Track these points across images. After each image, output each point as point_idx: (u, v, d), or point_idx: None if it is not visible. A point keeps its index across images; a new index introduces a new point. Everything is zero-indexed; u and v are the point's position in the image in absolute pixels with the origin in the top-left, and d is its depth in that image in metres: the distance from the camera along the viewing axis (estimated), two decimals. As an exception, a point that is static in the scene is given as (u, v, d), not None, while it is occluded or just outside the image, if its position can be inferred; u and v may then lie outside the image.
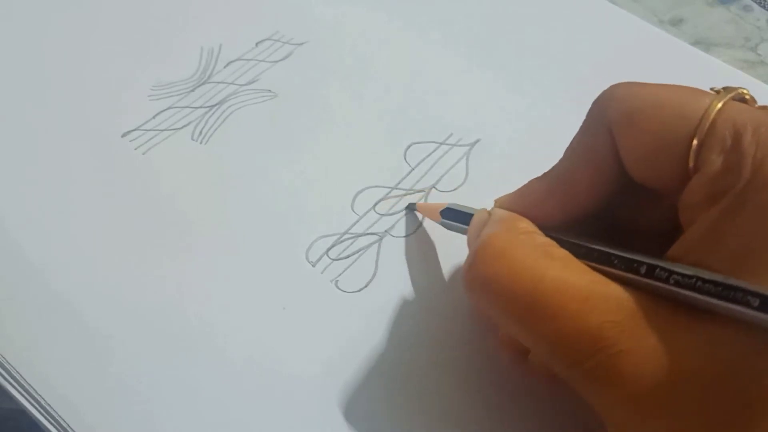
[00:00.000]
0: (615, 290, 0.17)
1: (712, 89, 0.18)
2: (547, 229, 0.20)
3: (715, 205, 0.17)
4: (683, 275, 0.16)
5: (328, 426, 0.21)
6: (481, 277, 0.19)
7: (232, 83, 0.30)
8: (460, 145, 0.28)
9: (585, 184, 0.20)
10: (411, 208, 0.26)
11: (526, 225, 0.20)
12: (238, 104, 0.29)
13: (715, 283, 0.16)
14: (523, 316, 0.18)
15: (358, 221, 0.26)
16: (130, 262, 0.24)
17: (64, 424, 0.20)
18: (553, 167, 0.21)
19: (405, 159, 0.28)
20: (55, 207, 0.25)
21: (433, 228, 0.25)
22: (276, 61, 0.31)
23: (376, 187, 0.27)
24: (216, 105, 0.29)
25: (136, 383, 0.21)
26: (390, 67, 0.31)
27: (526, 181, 0.21)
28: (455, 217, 0.23)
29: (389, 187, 0.27)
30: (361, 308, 0.23)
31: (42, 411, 0.21)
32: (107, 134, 0.27)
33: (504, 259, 0.18)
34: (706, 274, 0.16)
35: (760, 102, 0.18)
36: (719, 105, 0.17)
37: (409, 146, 0.28)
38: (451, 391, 0.22)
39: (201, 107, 0.29)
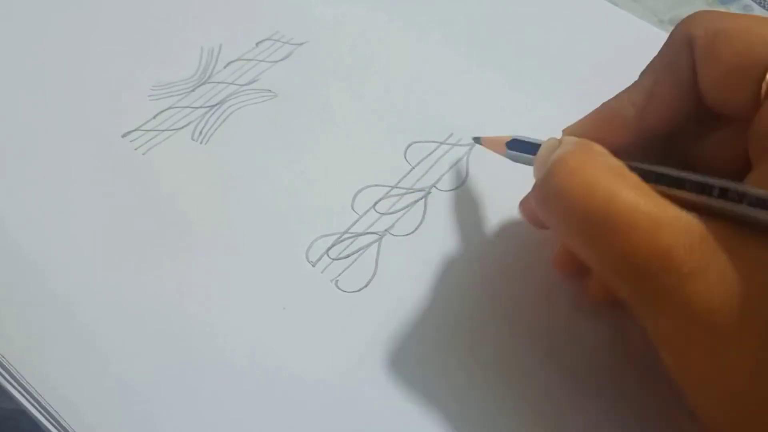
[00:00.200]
0: (685, 214, 0.17)
1: None
2: (618, 156, 0.20)
3: None
4: (758, 197, 0.16)
5: (328, 426, 0.21)
6: (555, 191, 0.19)
7: (232, 83, 0.30)
8: (461, 145, 0.28)
9: (664, 98, 0.20)
10: (476, 141, 0.26)
11: (599, 148, 0.20)
12: (239, 104, 0.29)
13: None
14: (595, 231, 0.18)
15: (358, 220, 0.26)
16: (130, 263, 0.24)
17: (64, 424, 0.20)
18: (629, 87, 0.21)
19: (405, 158, 0.28)
20: (55, 207, 0.25)
21: (434, 227, 0.25)
22: (276, 61, 0.31)
23: (376, 186, 0.27)
24: (216, 105, 0.29)
25: (136, 383, 0.21)
26: (390, 67, 0.31)
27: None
28: (521, 148, 0.23)
29: (389, 186, 0.27)
30: (361, 308, 0.23)
31: (42, 411, 0.21)
32: (107, 134, 0.27)
33: (579, 175, 0.18)
34: None
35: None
36: None
37: (409, 146, 0.28)
38: (452, 391, 0.22)
39: (201, 107, 0.29)
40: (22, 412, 0.21)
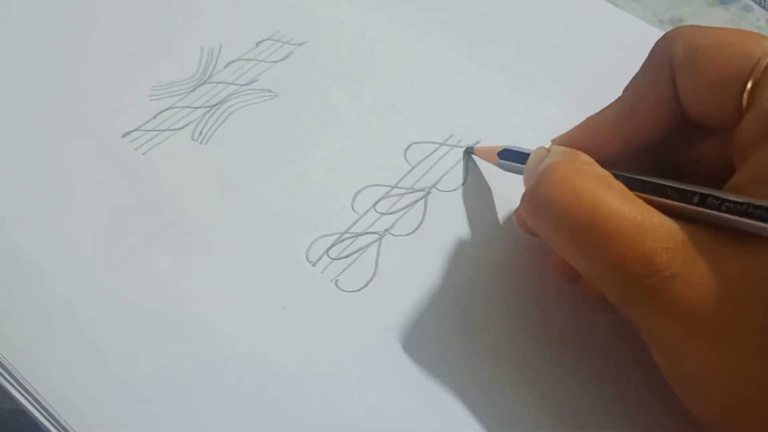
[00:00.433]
0: (667, 220, 0.18)
1: None
2: (603, 166, 0.20)
3: None
4: (735, 202, 0.17)
5: (328, 425, 0.21)
6: (543, 200, 0.20)
7: (232, 83, 0.30)
8: (461, 146, 0.28)
9: (646, 114, 0.21)
10: (469, 151, 0.27)
11: (586, 157, 0.21)
12: (239, 104, 0.29)
13: (767, 209, 0.16)
14: (582, 238, 0.18)
15: (358, 220, 0.26)
16: (130, 262, 0.24)
17: (64, 424, 0.20)
18: (612, 103, 0.22)
19: (405, 158, 0.28)
20: (55, 207, 0.25)
21: (434, 228, 0.25)
22: (276, 61, 0.31)
23: (376, 185, 0.27)
24: (216, 105, 0.29)
25: (136, 383, 0.21)
26: (390, 67, 0.31)
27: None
28: (512, 157, 0.24)
29: (389, 186, 0.27)
30: (361, 308, 0.23)
31: (42, 411, 0.21)
32: (107, 134, 0.27)
33: (565, 184, 0.19)
34: (758, 201, 0.17)
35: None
36: None
37: (409, 146, 0.28)
38: (452, 389, 0.22)
39: (201, 107, 0.29)
40: (22, 412, 0.21)
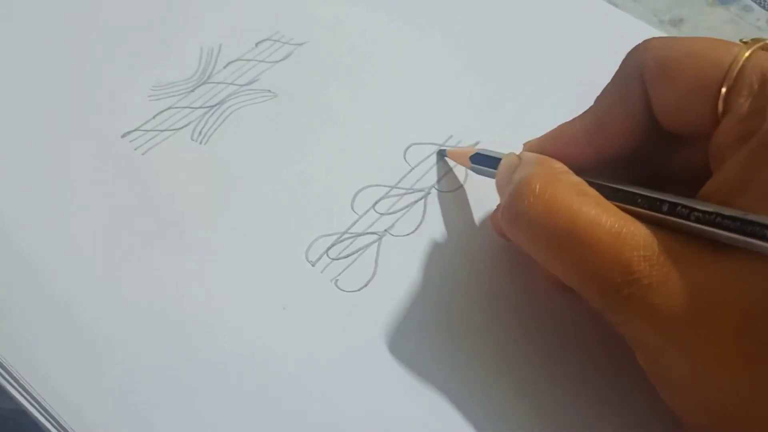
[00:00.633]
0: (642, 228, 0.18)
1: (741, 40, 0.19)
2: (576, 173, 0.20)
3: (744, 145, 0.17)
4: (703, 212, 0.17)
5: (328, 425, 0.21)
6: (520, 213, 0.20)
7: (232, 83, 0.30)
8: (460, 147, 0.28)
9: (615, 128, 0.21)
10: (442, 154, 0.27)
11: (560, 165, 0.21)
12: (238, 104, 0.29)
13: (734, 219, 0.16)
14: (560, 249, 0.19)
15: (357, 220, 0.26)
16: (130, 262, 0.24)
17: (64, 424, 0.20)
18: (584, 113, 0.22)
19: (405, 159, 0.28)
20: (55, 207, 0.25)
21: (434, 228, 0.26)
22: (276, 62, 0.31)
23: (376, 186, 0.27)
24: (216, 105, 0.29)
25: (136, 383, 0.21)
26: (390, 68, 0.31)
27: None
28: (485, 162, 0.24)
29: (389, 186, 0.27)
30: (361, 308, 0.23)
31: (42, 411, 0.21)
32: (107, 134, 0.27)
33: (542, 196, 0.19)
34: (726, 210, 0.17)
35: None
36: (747, 53, 0.18)
37: (408, 147, 0.28)
38: (452, 389, 0.22)
39: (201, 107, 0.29)
40: (22, 412, 0.21)
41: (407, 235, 0.25)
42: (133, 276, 0.23)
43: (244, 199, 0.26)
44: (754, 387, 0.16)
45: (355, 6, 0.33)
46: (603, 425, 0.21)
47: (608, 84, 0.22)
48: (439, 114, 0.29)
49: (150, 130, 0.28)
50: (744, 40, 0.19)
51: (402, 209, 0.26)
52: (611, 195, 0.19)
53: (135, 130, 0.28)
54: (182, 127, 0.28)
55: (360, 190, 0.26)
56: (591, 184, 0.20)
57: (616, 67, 0.21)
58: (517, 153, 0.23)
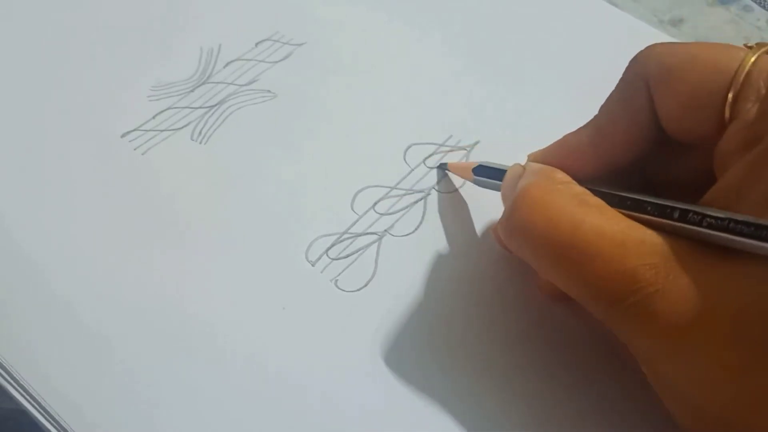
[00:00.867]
0: (649, 235, 0.18)
1: (745, 45, 0.19)
2: (581, 182, 0.20)
3: (750, 151, 0.17)
4: (716, 218, 0.17)
5: (328, 425, 0.21)
6: (521, 225, 0.19)
7: (231, 83, 0.30)
8: (460, 147, 0.28)
9: (620, 137, 0.21)
10: (443, 167, 0.27)
11: (562, 176, 0.21)
12: (238, 104, 0.29)
13: (747, 224, 0.16)
14: (563, 260, 0.18)
15: (357, 221, 0.26)
16: (130, 262, 0.24)
17: (64, 424, 0.20)
18: (588, 122, 0.22)
19: (405, 159, 0.28)
20: (55, 207, 0.25)
21: (433, 228, 0.26)
22: (276, 62, 0.31)
23: (376, 186, 0.27)
24: (216, 105, 0.29)
25: (136, 383, 0.21)
26: (390, 68, 0.31)
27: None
28: (488, 174, 0.24)
29: (389, 187, 0.27)
30: (360, 308, 0.23)
31: (42, 411, 0.21)
32: (106, 134, 0.27)
33: (543, 207, 0.19)
34: (739, 216, 0.16)
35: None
36: (753, 58, 0.18)
37: (408, 147, 0.28)
38: (451, 389, 0.22)
39: (201, 107, 0.29)
40: (22, 412, 0.21)
41: (407, 235, 0.25)
42: (133, 276, 0.23)
43: (243, 199, 0.26)
44: (752, 394, 0.16)
45: (355, 6, 0.33)
46: None
47: (612, 92, 0.21)
48: (439, 114, 0.29)
49: (150, 130, 0.28)
50: (748, 44, 0.19)
51: (402, 210, 0.26)
52: (619, 203, 0.19)
53: (135, 130, 0.28)
54: (182, 127, 0.28)
55: (360, 191, 0.26)
56: (598, 192, 0.19)
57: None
58: (522, 164, 0.23)
